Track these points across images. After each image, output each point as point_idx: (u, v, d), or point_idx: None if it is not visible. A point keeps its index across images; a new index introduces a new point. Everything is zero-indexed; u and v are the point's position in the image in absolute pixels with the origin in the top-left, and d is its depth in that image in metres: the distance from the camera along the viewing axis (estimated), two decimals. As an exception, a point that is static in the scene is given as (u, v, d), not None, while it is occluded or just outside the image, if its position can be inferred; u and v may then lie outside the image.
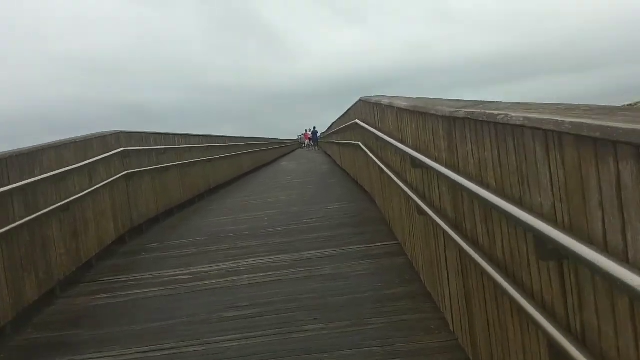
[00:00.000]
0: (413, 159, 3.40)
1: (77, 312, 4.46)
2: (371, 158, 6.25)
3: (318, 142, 50.19)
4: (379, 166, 5.46)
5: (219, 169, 14.28)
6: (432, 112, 2.87)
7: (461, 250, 2.46)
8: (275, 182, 14.50)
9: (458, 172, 2.41)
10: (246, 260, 5.42)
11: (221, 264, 5.44)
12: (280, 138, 51.20)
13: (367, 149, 6.78)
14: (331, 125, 19.52)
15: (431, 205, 3.14)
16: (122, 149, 7.15)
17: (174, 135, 10.19)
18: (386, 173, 5.02)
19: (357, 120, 7.26)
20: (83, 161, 5.88)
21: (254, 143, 22.90)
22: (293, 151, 54.95)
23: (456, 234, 2.51)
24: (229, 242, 6.39)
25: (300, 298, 4.10)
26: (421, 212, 3.32)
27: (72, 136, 6.07)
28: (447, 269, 3.00)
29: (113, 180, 6.71)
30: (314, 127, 52.29)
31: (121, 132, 7.32)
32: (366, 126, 6.45)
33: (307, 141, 53.65)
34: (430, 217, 3.06)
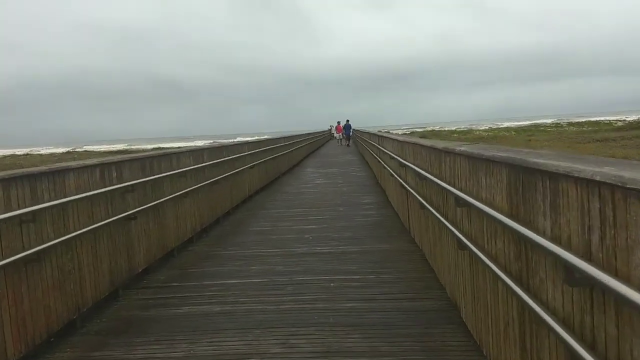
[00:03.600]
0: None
1: None
2: None
3: (351, 136, 44.43)
4: None
5: (186, 213, 7.51)
6: None
7: None
8: (285, 244, 7.60)
9: None
10: None
11: None
12: (309, 130, 45.50)
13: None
14: (382, 138, 12.41)
15: None
16: None
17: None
18: None
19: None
20: None
21: (267, 149, 15.97)
22: (323, 145, 48.32)
23: None
24: None
25: None
26: None
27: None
28: None
29: None
30: (347, 121, 46.02)
31: None
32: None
33: (339, 134, 47.36)
34: None
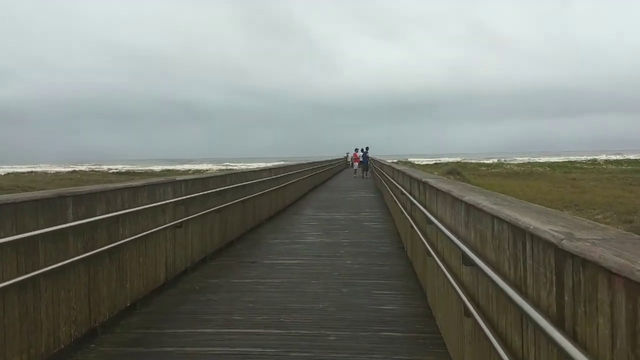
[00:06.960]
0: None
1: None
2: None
3: (368, 166, 37.94)
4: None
5: None
6: None
7: None
8: None
9: None
10: None
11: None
12: (323, 156, 39.74)
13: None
14: (425, 186, 6.42)
15: None
16: None
17: None
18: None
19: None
20: None
21: (221, 190, 10.09)
22: (336, 175, 42.34)
23: None
24: None
25: None
26: None
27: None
28: None
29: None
30: (366, 148, 39.54)
31: None
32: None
33: (356, 164, 40.29)
34: None
